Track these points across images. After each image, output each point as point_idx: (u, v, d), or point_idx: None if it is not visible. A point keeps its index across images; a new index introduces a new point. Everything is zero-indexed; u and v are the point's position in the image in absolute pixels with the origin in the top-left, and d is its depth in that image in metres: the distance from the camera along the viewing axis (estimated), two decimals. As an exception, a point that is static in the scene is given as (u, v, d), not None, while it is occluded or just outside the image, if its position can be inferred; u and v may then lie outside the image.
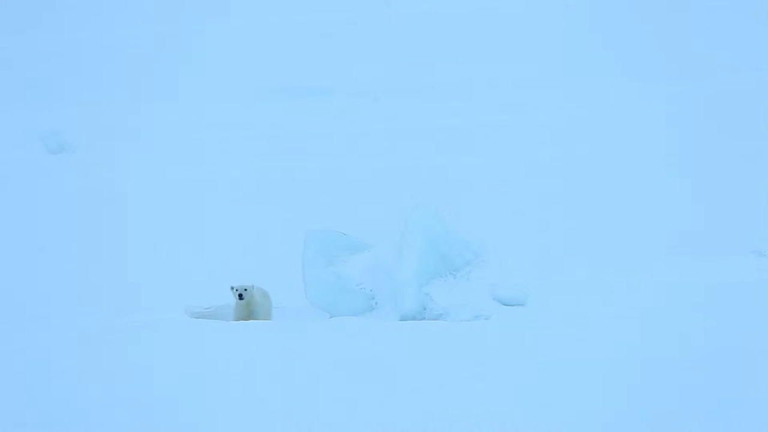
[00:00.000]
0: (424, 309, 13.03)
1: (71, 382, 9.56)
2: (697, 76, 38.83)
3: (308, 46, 50.92)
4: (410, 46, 49.48)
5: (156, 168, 27.78)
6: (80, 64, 49.58)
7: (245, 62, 47.76)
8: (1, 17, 60.98)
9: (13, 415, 8.84)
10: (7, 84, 46.01)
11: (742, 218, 20.20)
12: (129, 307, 15.54)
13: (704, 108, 32.45)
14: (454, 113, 34.32)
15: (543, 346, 10.50)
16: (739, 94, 34.43)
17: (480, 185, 24.07)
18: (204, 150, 30.22)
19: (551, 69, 42.09)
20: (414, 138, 30.11)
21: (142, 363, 10.13)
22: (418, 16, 55.94)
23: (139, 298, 16.22)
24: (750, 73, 38.67)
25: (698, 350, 10.24)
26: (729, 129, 29.11)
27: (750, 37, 45.46)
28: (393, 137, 30.35)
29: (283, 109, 36.87)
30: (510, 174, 24.95)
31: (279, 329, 11.67)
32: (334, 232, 13.93)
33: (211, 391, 9.29)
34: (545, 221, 20.70)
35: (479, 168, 25.79)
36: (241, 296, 13.25)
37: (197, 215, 22.51)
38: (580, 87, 38.00)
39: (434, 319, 12.87)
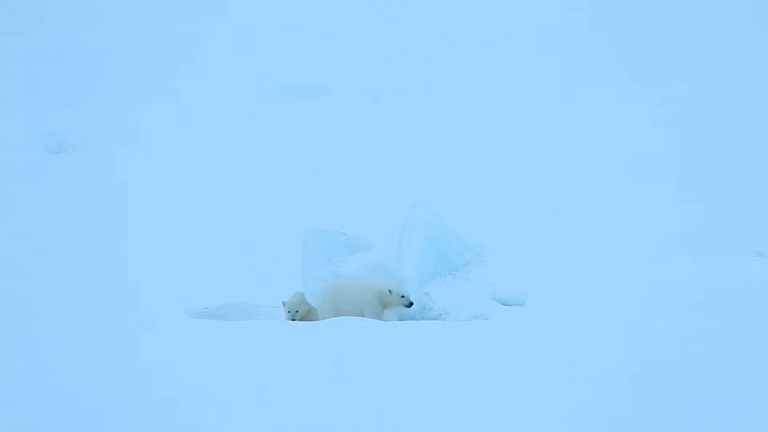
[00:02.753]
0: (424, 309, 13.03)
1: (71, 382, 9.57)
2: (697, 76, 38.81)
3: (308, 46, 50.91)
4: (410, 46, 49.47)
5: (156, 168, 27.78)
6: (80, 64, 49.57)
7: (245, 62, 47.75)
8: (1, 17, 60.98)
9: (13, 415, 8.84)
10: (7, 84, 46.00)
11: (742, 218, 20.20)
12: (129, 307, 15.55)
13: (704, 108, 32.43)
14: (454, 113, 34.31)
15: (542, 345, 10.51)
16: (739, 94, 34.41)
17: (479, 185, 24.07)
18: (204, 150, 30.21)
19: (551, 69, 42.08)
20: (414, 138, 30.10)
21: (142, 363, 10.14)
22: (418, 16, 55.95)
23: (139, 298, 16.23)
24: (750, 73, 38.64)
25: (698, 350, 10.24)
26: (729, 129, 29.10)
27: (750, 37, 45.45)
28: (393, 137, 30.34)
29: (283, 109, 36.84)
30: (509, 174, 24.95)
31: (279, 329, 11.67)
32: (333, 232, 13.92)
33: (211, 391, 9.30)
34: (545, 221, 20.71)
35: (479, 168, 25.79)
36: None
37: (197, 215, 22.51)
38: (580, 87, 37.99)
39: (434, 319, 12.87)
